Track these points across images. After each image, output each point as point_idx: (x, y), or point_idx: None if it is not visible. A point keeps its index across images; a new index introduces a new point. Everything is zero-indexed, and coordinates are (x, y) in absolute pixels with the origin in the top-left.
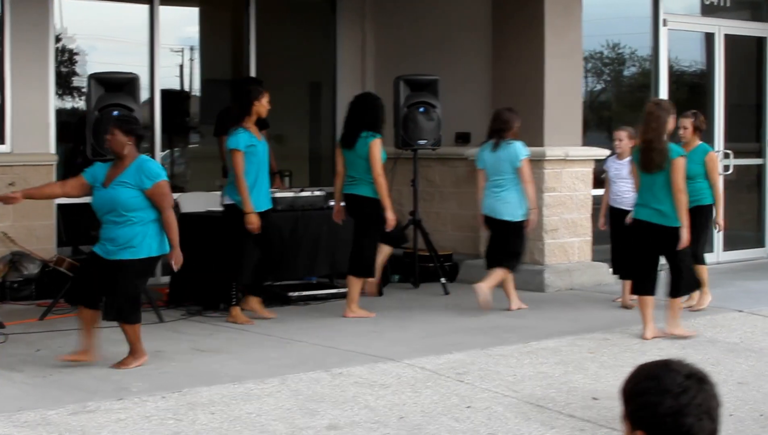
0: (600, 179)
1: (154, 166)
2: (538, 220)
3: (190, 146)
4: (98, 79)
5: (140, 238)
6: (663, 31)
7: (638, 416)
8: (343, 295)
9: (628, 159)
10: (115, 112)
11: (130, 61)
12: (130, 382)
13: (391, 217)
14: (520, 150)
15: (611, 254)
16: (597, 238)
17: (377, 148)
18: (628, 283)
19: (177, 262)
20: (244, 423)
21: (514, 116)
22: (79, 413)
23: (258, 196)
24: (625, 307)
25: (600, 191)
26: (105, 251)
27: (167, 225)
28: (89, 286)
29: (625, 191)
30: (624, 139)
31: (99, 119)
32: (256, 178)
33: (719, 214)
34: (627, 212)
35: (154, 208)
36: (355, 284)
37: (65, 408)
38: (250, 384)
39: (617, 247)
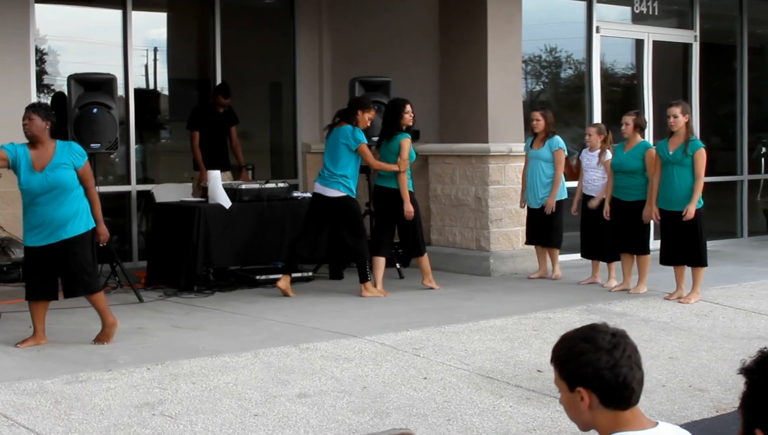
0: (573, 171)
1: (78, 146)
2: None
3: (162, 141)
4: (78, 79)
5: (81, 212)
6: (596, 38)
7: (579, 374)
8: (307, 279)
9: (597, 151)
10: (95, 110)
11: (104, 61)
12: (117, 355)
13: (408, 208)
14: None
15: (581, 237)
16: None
17: (407, 146)
18: (597, 264)
19: (104, 237)
20: (222, 392)
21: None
22: (72, 383)
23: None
24: (593, 282)
25: (574, 183)
26: (45, 237)
27: (93, 201)
28: (44, 280)
29: (594, 180)
30: (593, 134)
31: (79, 117)
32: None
33: (649, 206)
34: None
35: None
36: (425, 262)
37: (60, 378)
38: (226, 357)
39: (586, 231)
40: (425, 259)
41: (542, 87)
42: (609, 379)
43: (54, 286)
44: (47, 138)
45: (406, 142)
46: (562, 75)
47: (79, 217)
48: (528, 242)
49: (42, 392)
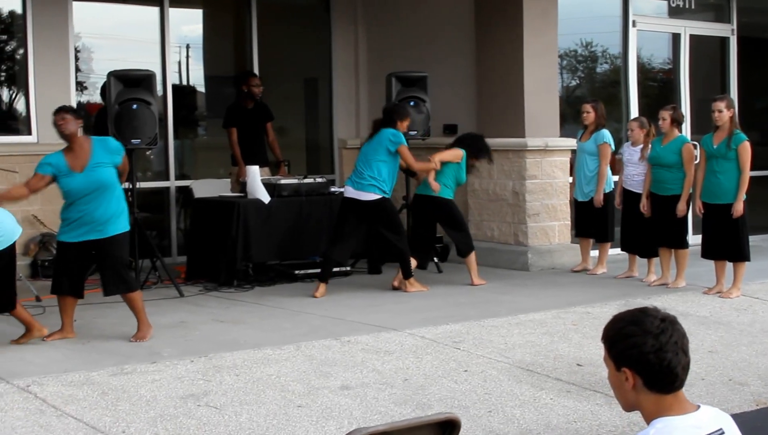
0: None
1: (114, 141)
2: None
3: (198, 137)
4: (118, 75)
5: (122, 212)
6: (632, 32)
7: (625, 356)
8: (345, 273)
9: (639, 146)
10: (135, 106)
11: (141, 58)
12: (161, 348)
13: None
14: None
15: (621, 231)
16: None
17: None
18: (634, 258)
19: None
20: (265, 383)
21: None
22: (118, 374)
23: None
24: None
25: (616, 177)
26: (83, 233)
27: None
28: (73, 277)
29: (635, 175)
30: (635, 128)
31: (119, 113)
32: None
33: (683, 200)
34: (637, 193)
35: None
36: (472, 259)
37: (105, 370)
38: (268, 350)
39: (627, 224)
40: (473, 257)
41: (577, 81)
42: (654, 362)
43: (81, 284)
44: (81, 136)
45: (456, 153)
46: (598, 69)
47: (119, 216)
48: (578, 235)
49: (89, 383)
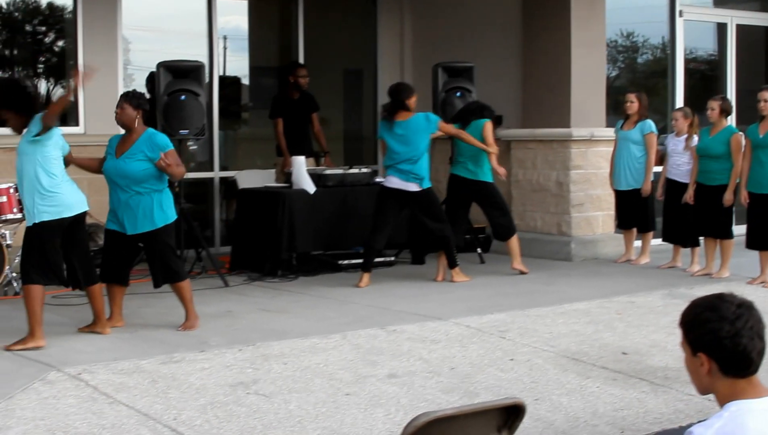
0: (662, 156)
1: (161, 139)
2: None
3: (242, 128)
4: (167, 66)
5: (163, 204)
6: (679, 22)
7: (701, 341)
8: (389, 264)
9: (684, 136)
10: (183, 97)
11: (187, 50)
12: (209, 337)
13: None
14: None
15: (663, 222)
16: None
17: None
18: (678, 248)
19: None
20: (313, 372)
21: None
22: (167, 363)
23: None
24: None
25: (658, 168)
26: (127, 226)
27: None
28: (119, 265)
29: (680, 165)
30: (679, 118)
31: (168, 103)
32: None
33: (730, 190)
34: (681, 184)
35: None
36: (515, 243)
37: (155, 358)
38: (315, 339)
39: (669, 215)
40: (515, 241)
41: (621, 71)
42: (729, 348)
43: (126, 273)
44: (139, 126)
45: (488, 125)
46: (642, 59)
47: (159, 209)
48: (620, 226)
49: (139, 372)
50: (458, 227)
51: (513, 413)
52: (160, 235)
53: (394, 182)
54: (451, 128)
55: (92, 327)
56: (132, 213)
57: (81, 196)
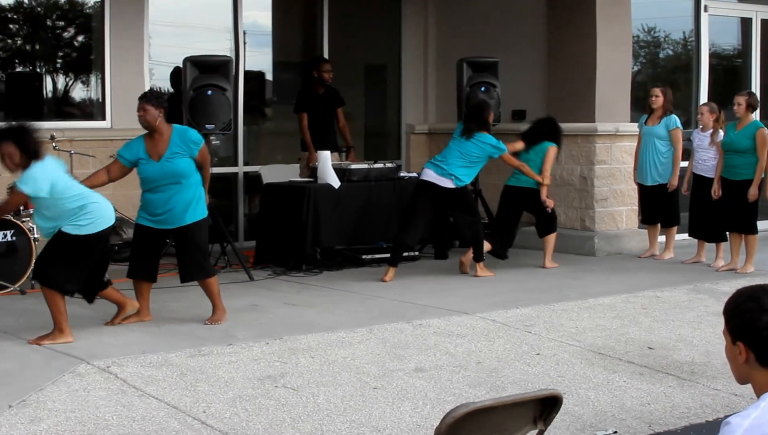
0: (687, 151)
1: (192, 133)
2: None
3: (266, 123)
4: (194, 61)
5: (199, 199)
6: (704, 17)
7: (740, 330)
8: (413, 258)
9: (709, 131)
10: (210, 92)
11: (211, 45)
12: (236, 331)
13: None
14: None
15: (689, 217)
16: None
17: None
18: (702, 243)
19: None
20: (341, 365)
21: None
22: (195, 356)
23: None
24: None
25: (684, 163)
26: (161, 221)
27: (205, 178)
28: (149, 261)
29: (705, 160)
30: (705, 113)
31: (194, 98)
32: None
33: (755, 185)
34: (707, 179)
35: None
36: (551, 241)
37: (183, 352)
38: (341, 333)
39: (696, 210)
40: (552, 238)
41: (643, 66)
42: (766, 338)
43: (155, 268)
44: (163, 124)
45: (552, 151)
46: (666, 54)
47: (196, 203)
48: (644, 221)
49: (167, 365)
50: (506, 236)
51: (549, 405)
52: (195, 230)
53: (430, 175)
54: (515, 161)
55: (122, 314)
56: (174, 207)
57: (110, 207)
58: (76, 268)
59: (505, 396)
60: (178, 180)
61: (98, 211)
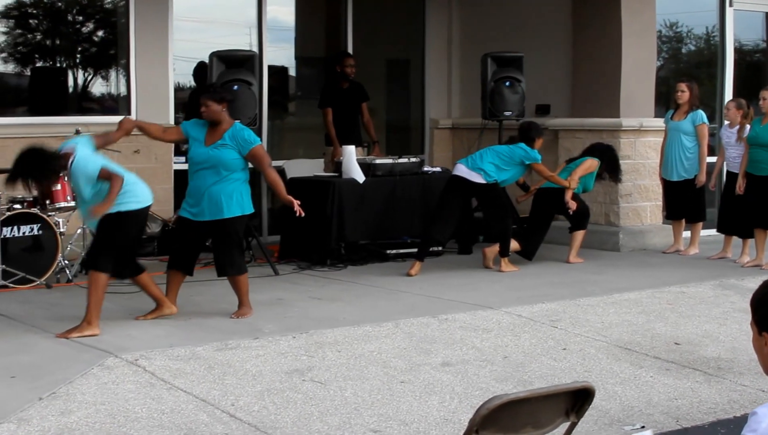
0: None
1: (247, 133)
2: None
3: (290, 118)
4: (219, 56)
5: (240, 195)
6: (729, 11)
7: (766, 321)
8: (437, 253)
9: (737, 127)
10: (236, 87)
11: (235, 39)
12: (262, 324)
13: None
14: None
15: (719, 213)
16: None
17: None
18: (729, 239)
19: (296, 207)
20: (367, 359)
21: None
22: (222, 350)
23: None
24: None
25: (713, 158)
26: (201, 213)
27: (272, 182)
28: (188, 254)
29: (735, 157)
30: (731, 109)
31: None
32: None
33: None
34: (737, 175)
35: (248, 170)
36: (580, 236)
37: (210, 345)
38: (367, 327)
39: (725, 206)
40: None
41: (666, 61)
42: None
43: (193, 263)
44: (226, 118)
45: (590, 162)
46: (689, 49)
47: (236, 199)
48: (669, 217)
49: (195, 358)
50: (535, 238)
51: (581, 397)
52: (232, 225)
53: (461, 170)
54: (546, 171)
55: (157, 313)
56: (213, 199)
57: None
58: (118, 249)
59: (538, 388)
60: (219, 170)
61: (137, 190)
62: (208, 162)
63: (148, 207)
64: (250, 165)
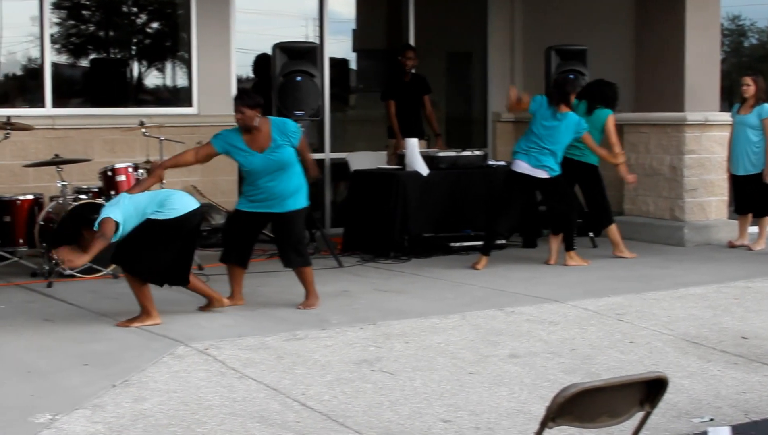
0: None
1: (290, 124)
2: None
3: (351, 110)
4: (282, 48)
5: (302, 188)
6: None
7: None
8: (501, 246)
9: None
10: (299, 78)
11: (297, 31)
12: (329, 316)
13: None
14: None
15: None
16: None
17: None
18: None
19: (314, 173)
20: (435, 351)
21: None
22: (291, 340)
23: None
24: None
25: None
26: (265, 206)
27: (310, 162)
28: (244, 247)
29: None
30: None
31: (284, 84)
32: None
33: None
34: None
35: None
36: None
37: (278, 335)
38: (434, 319)
39: None
40: (614, 229)
41: (727, 55)
42: None
43: (248, 255)
44: (261, 120)
45: (611, 121)
46: (751, 43)
47: (300, 192)
48: (737, 211)
49: (264, 348)
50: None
51: (655, 388)
52: (296, 218)
53: (523, 167)
54: (592, 142)
55: (210, 307)
56: (279, 194)
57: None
58: (158, 255)
59: (613, 377)
60: (283, 171)
61: (177, 199)
62: (271, 167)
63: (186, 214)
64: None
